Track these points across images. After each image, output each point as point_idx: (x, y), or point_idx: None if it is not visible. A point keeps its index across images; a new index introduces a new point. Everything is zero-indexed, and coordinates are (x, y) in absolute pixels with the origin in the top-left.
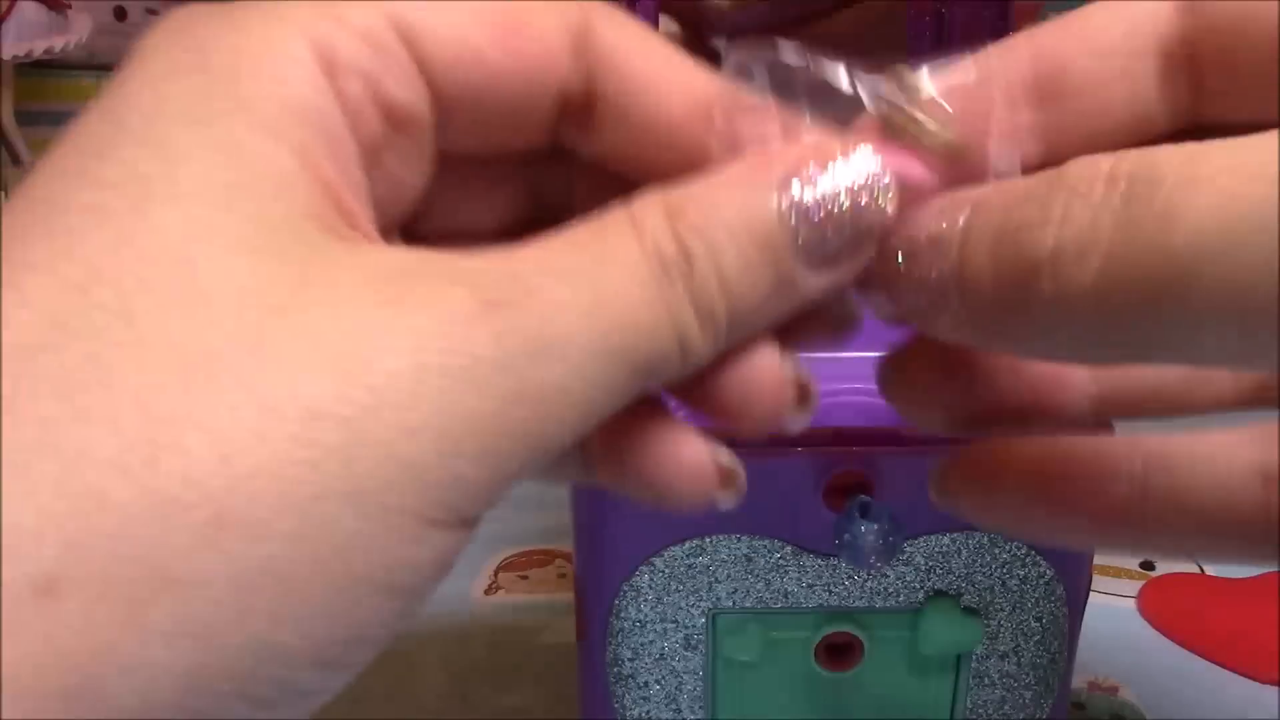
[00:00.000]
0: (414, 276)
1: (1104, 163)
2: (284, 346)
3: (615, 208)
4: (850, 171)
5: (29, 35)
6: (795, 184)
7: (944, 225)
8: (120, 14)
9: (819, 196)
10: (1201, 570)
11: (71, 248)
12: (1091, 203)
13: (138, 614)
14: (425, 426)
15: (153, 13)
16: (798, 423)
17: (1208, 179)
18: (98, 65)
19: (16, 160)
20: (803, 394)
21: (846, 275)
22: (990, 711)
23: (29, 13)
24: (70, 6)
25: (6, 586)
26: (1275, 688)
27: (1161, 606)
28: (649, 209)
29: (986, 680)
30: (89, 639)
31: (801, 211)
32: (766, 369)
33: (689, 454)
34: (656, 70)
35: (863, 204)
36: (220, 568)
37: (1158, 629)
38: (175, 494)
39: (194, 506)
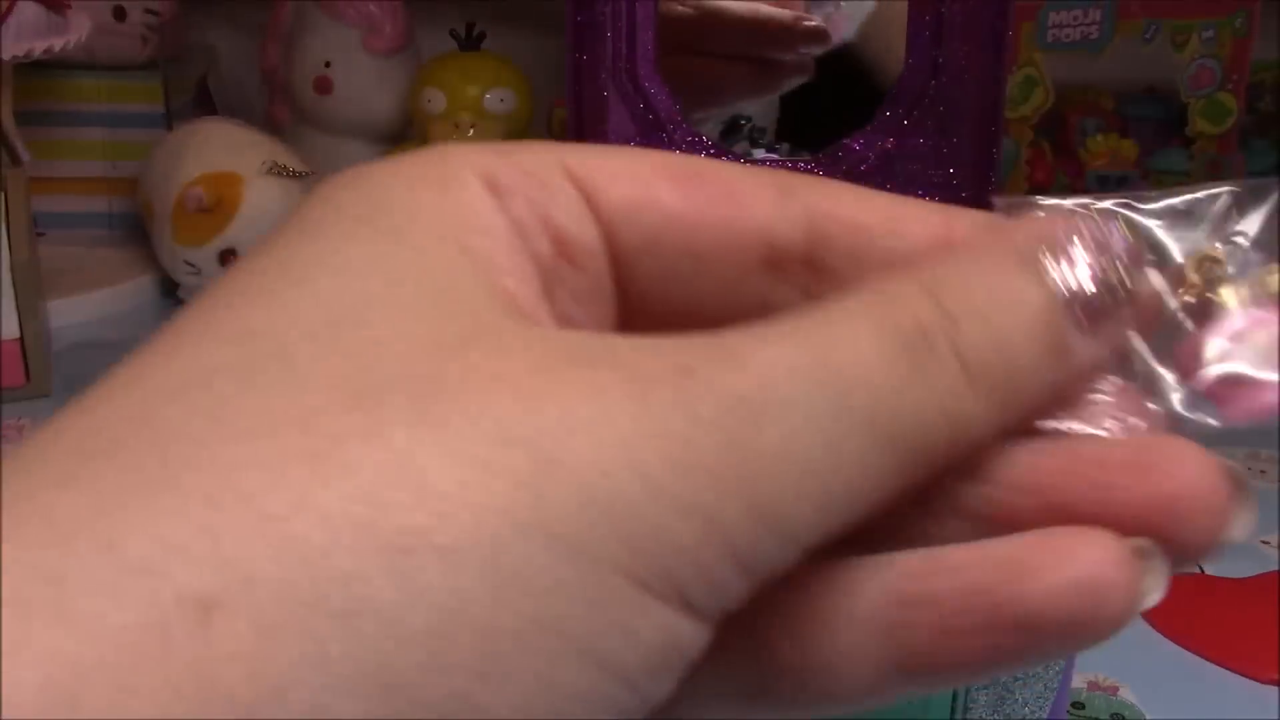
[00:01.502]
0: (600, 344)
1: None
2: (465, 379)
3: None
4: (1107, 238)
5: (29, 35)
6: (1058, 251)
7: None
8: (120, 14)
9: (1086, 261)
10: (1201, 570)
11: (231, 318)
12: None
13: (316, 650)
14: (620, 468)
15: (152, 13)
16: (1242, 529)
17: None
18: (98, 65)
19: (16, 160)
20: (1237, 486)
21: (1115, 339)
22: (990, 711)
23: (29, 13)
24: (70, 6)
25: (153, 604)
26: (1275, 688)
27: (1161, 606)
28: (892, 278)
29: (987, 680)
30: (257, 676)
31: (1068, 275)
32: (1183, 458)
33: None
34: (883, 208)
35: (1123, 265)
36: (409, 600)
37: (1158, 629)
38: (352, 511)
39: (373, 524)
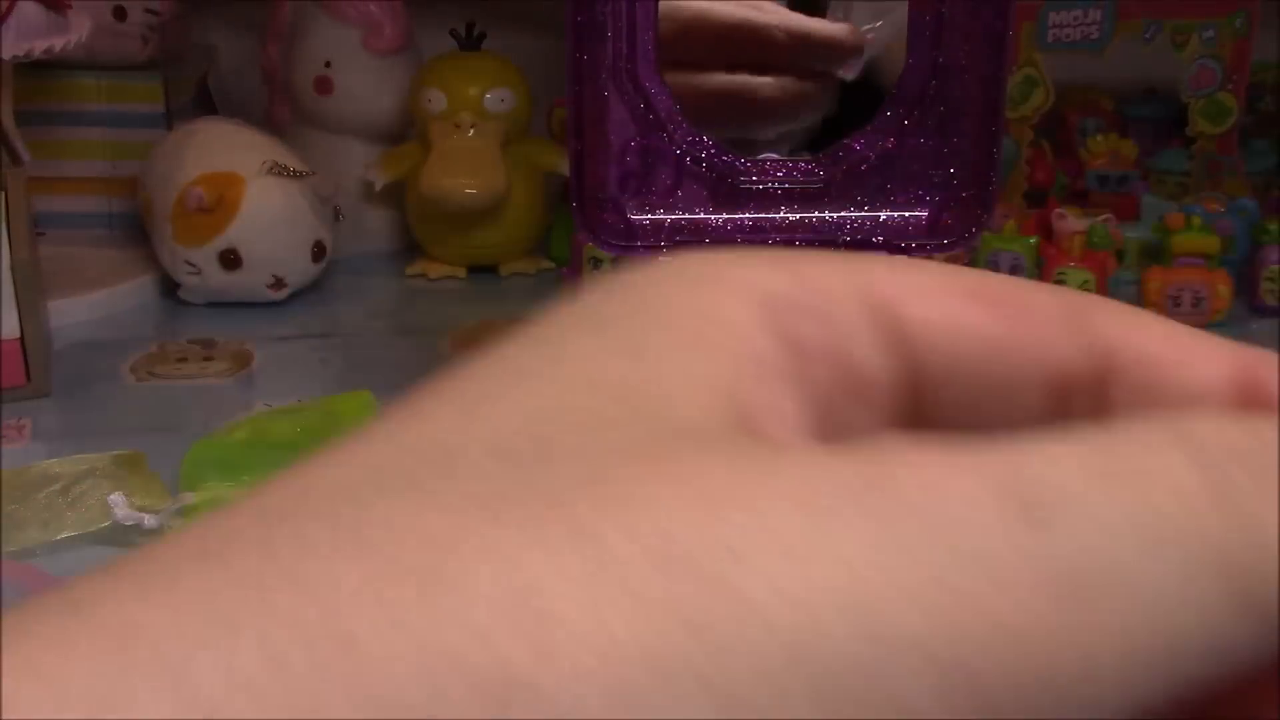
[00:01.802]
0: (827, 450)
1: None
2: (636, 487)
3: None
4: None
5: (29, 35)
6: None
7: None
8: (120, 14)
9: None
10: None
11: (418, 423)
12: None
13: None
14: (828, 603)
15: (152, 12)
16: None
17: None
18: (98, 65)
19: (16, 160)
20: None
21: None
22: None
23: (29, 13)
24: (70, 6)
25: None
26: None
27: None
28: (1200, 413)
29: None
30: None
31: None
32: None
33: None
34: (1177, 341)
35: None
36: None
37: None
38: (444, 640)
39: (466, 658)
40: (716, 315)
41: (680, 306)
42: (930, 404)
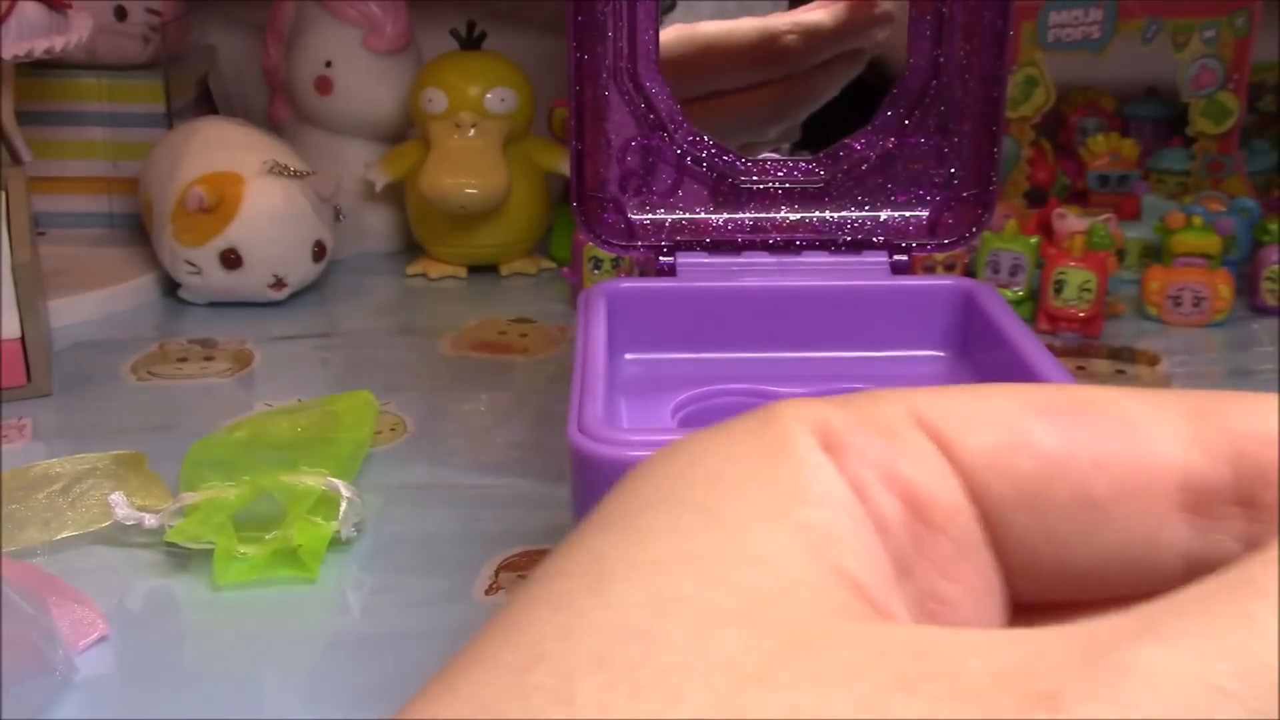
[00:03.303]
0: (942, 649)
1: None
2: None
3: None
4: None
5: (29, 35)
6: None
7: None
8: (121, 14)
9: None
10: None
11: (518, 634)
12: None
13: None
14: None
15: (153, 12)
16: None
17: None
18: (98, 65)
19: (17, 159)
20: None
21: None
22: None
23: (29, 13)
24: (70, 6)
25: None
26: None
27: None
28: None
29: None
30: None
31: None
32: None
33: None
34: None
35: None
36: None
37: None
38: None
39: None
40: (794, 474)
41: (752, 473)
42: (1021, 532)
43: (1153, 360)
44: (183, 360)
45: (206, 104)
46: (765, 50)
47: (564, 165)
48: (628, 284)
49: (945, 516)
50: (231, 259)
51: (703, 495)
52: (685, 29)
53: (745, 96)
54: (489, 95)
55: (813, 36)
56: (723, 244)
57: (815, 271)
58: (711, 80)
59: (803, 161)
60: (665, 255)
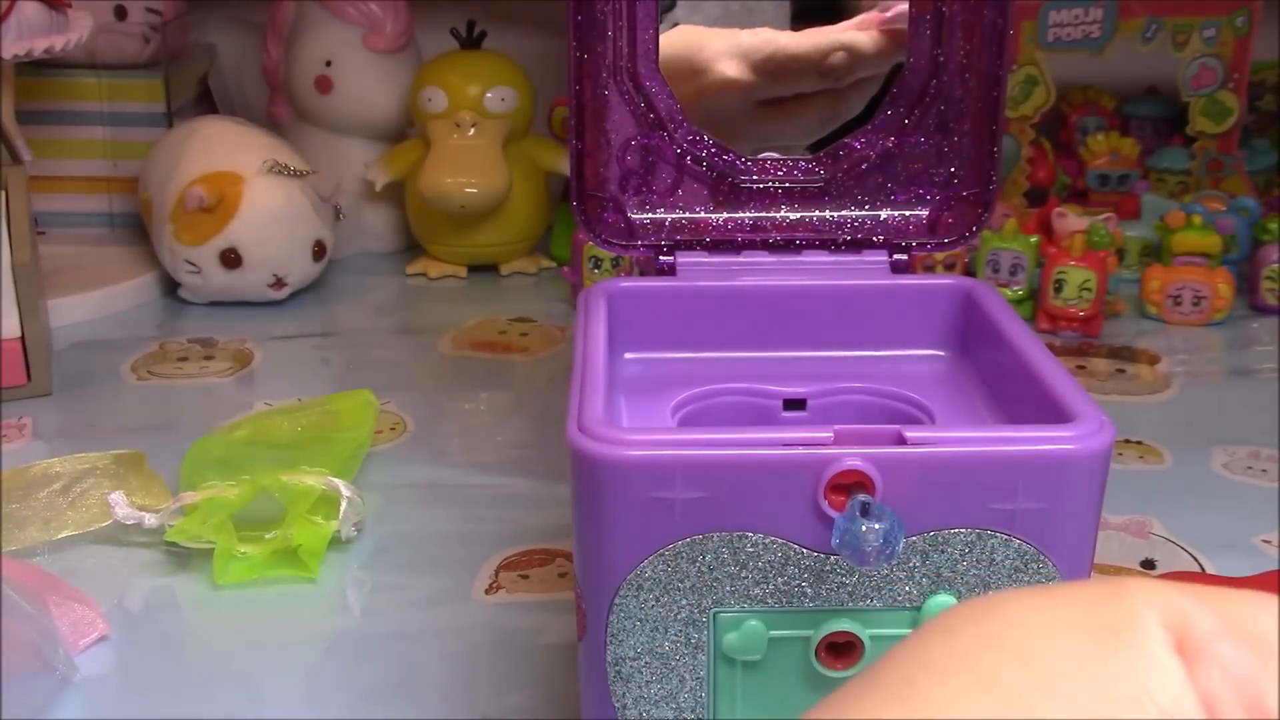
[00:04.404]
0: None
1: None
2: None
3: None
4: None
5: (29, 35)
6: None
7: None
8: (120, 13)
9: None
10: (1202, 569)
11: None
12: None
13: None
14: None
15: (153, 11)
16: None
17: None
18: (99, 64)
19: (17, 159)
20: None
21: None
22: None
23: (29, 12)
24: (70, 6)
25: None
26: None
27: None
28: None
29: None
30: None
31: None
32: None
33: None
34: None
35: None
36: None
37: None
38: None
39: None
40: (1140, 676)
41: (1092, 664)
42: None
43: (1153, 359)
44: (183, 360)
45: (206, 103)
46: (816, 64)
47: (564, 165)
48: (628, 283)
49: None
50: (231, 258)
51: (1015, 680)
52: (758, 36)
53: (795, 106)
54: (489, 95)
55: (856, 57)
56: (723, 243)
57: (815, 271)
58: (780, 87)
59: (803, 160)
60: (665, 255)
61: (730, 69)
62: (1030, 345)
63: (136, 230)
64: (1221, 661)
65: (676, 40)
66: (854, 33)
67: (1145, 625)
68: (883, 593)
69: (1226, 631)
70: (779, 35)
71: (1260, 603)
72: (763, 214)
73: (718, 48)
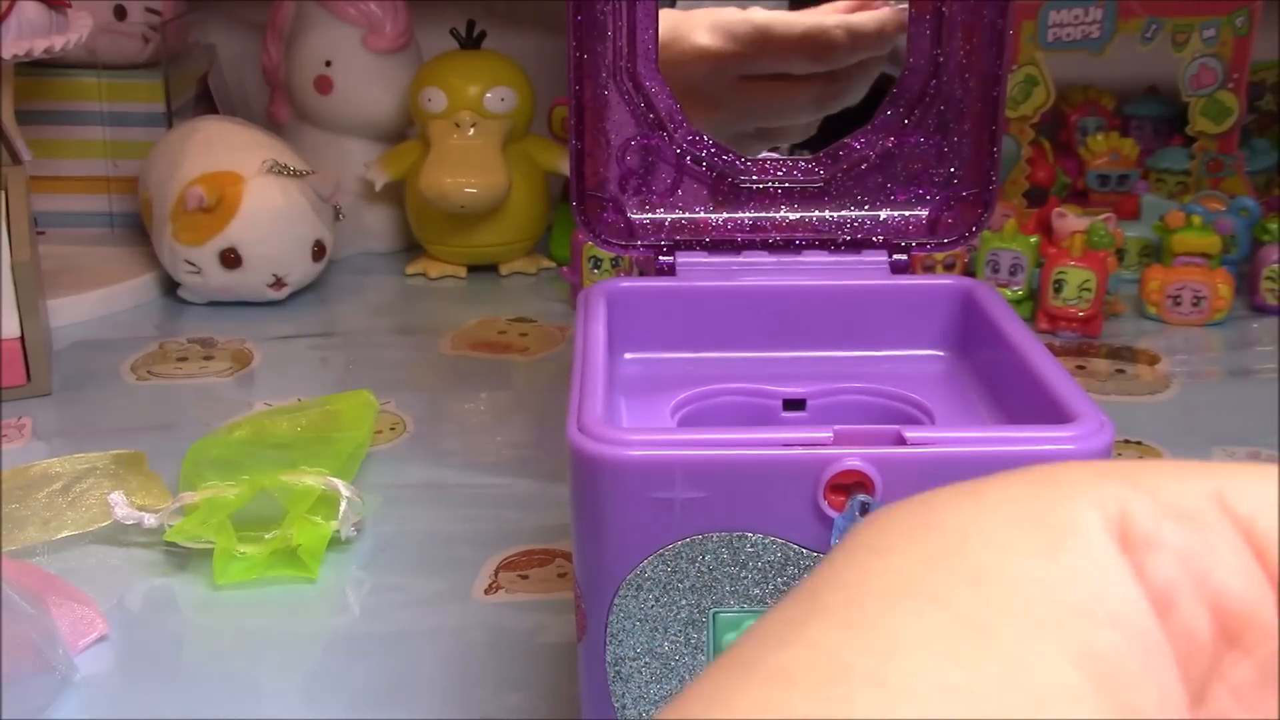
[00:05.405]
0: None
1: None
2: None
3: None
4: None
5: (29, 35)
6: None
7: None
8: (120, 13)
9: None
10: None
11: None
12: None
13: None
14: None
15: (153, 11)
16: None
17: None
18: (98, 64)
19: (17, 159)
20: None
21: None
22: None
23: (29, 12)
24: (70, 6)
25: None
26: None
27: None
28: None
29: None
30: None
31: None
32: None
33: None
34: None
35: None
36: None
37: None
38: None
39: None
40: (1082, 580)
41: (1030, 571)
42: None
43: (1152, 359)
44: (182, 360)
45: (206, 103)
46: (814, 42)
47: (564, 165)
48: (627, 283)
49: (1256, 640)
50: (231, 258)
51: (968, 599)
52: (742, 12)
53: (785, 85)
54: (489, 95)
55: (857, 36)
56: (722, 243)
57: (815, 271)
58: (763, 64)
59: (802, 161)
60: (665, 255)
61: (704, 38)
62: (1030, 345)
63: (136, 230)
64: (1167, 548)
65: (662, 20)
66: (859, 14)
67: (1087, 526)
68: None
69: (1164, 514)
70: (763, 12)
71: (1189, 475)
72: (762, 214)
73: (696, 21)
